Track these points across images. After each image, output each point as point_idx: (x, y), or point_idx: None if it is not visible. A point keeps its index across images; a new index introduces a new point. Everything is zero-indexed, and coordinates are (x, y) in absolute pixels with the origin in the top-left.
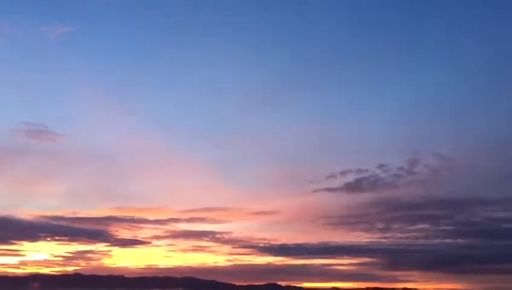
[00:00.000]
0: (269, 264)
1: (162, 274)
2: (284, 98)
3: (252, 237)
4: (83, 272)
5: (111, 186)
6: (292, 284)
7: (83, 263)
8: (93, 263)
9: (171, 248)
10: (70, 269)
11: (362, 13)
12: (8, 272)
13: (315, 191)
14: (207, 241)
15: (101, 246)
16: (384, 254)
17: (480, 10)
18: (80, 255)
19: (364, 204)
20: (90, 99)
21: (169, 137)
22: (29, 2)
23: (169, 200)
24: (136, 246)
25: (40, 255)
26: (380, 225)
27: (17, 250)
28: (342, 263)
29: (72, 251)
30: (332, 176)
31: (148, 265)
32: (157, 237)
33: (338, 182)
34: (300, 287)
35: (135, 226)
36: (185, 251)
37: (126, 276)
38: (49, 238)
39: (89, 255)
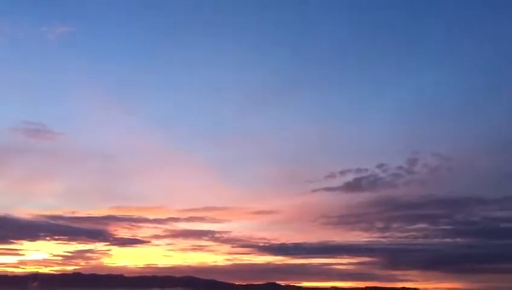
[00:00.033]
0: (268, 263)
1: (161, 273)
2: (284, 98)
3: (251, 236)
4: (83, 272)
5: (110, 185)
6: (291, 284)
7: (82, 263)
8: (93, 263)
9: (170, 247)
10: (69, 268)
11: (362, 13)
12: (7, 272)
13: (314, 190)
14: (206, 240)
15: (100, 246)
16: (384, 254)
17: (480, 10)
18: (79, 254)
19: (363, 204)
20: (90, 99)
21: (169, 137)
22: (29, 2)
23: (168, 200)
24: (135, 245)
25: (40, 255)
26: (379, 225)
27: (16, 249)
28: (341, 262)
29: (72, 251)
30: (331, 175)
31: (148, 264)
32: (157, 237)
33: (337, 182)
34: (299, 287)
35: (134, 226)
36: (184, 250)
37: (125, 275)
38: (48, 238)
39: (89, 254)
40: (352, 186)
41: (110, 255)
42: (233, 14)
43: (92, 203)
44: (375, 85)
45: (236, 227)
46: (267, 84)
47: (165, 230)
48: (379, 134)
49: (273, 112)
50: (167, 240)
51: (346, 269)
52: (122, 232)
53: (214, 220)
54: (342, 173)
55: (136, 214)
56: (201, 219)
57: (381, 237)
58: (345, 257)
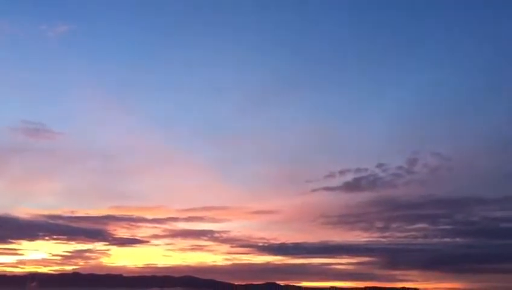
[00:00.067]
0: (268, 263)
1: (160, 273)
2: (284, 98)
3: (250, 236)
4: (82, 271)
5: (110, 185)
6: (291, 284)
7: (81, 262)
8: (92, 262)
9: (169, 247)
10: (68, 268)
11: (362, 13)
12: (6, 271)
13: (314, 190)
14: (206, 240)
15: (99, 245)
16: (383, 253)
17: (480, 10)
18: (79, 254)
19: (363, 203)
20: (90, 99)
21: (168, 137)
22: (28, 0)
23: (168, 200)
24: (134, 245)
25: (39, 254)
26: (379, 224)
27: (15, 249)
28: (341, 262)
29: (71, 250)
30: (331, 175)
31: (147, 264)
32: (156, 236)
33: (337, 182)
34: (299, 287)
35: (134, 225)
36: (183, 250)
37: (124, 275)
38: (47, 237)
39: (88, 254)
40: (352, 186)
41: (109, 255)
42: (233, 14)
43: (91, 203)
44: (375, 85)
45: (236, 227)
46: (267, 84)
47: (164, 230)
48: (379, 134)
49: (273, 112)
50: (166, 240)
51: (346, 269)
52: (121, 232)
53: (213, 220)
54: (342, 172)
55: (135, 213)
56: (200, 219)
57: (380, 237)
58: (344, 256)
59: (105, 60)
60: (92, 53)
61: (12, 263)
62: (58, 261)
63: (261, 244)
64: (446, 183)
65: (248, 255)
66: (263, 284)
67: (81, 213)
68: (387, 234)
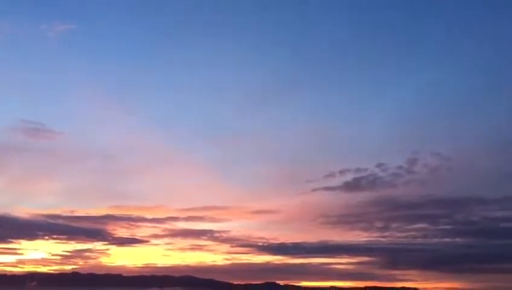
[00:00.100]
0: (267, 263)
1: (160, 273)
2: (284, 98)
3: (250, 236)
4: (81, 271)
5: (109, 185)
6: (290, 283)
7: (80, 262)
8: (91, 262)
9: (169, 246)
10: (68, 267)
11: (362, 13)
12: (5, 271)
13: (314, 190)
14: (205, 240)
15: (99, 245)
16: (383, 253)
17: (480, 10)
18: (78, 253)
19: (363, 203)
20: (90, 99)
21: (168, 137)
22: (28, 0)
23: (167, 199)
24: (134, 244)
25: (38, 254)
26: (379, 224)
27: (15, 248)
28: (341, 262)
29: (70, 250)
30: (331, 175)
31: (146, 264)
32: (156, 236)
33: (337, 181)
34: (298, 287)
35: (133, 225)
36: (183, 249)
37: (124, 275)
38: (47, 237)
39: (87, 253)
40: (352, 186)
41: (108, 255)
42: (233, 14)
43: (90, 203)
44: (375, 85)
45: (236, 226)
46: (267, 84)
47: (164, 229)
48: (379, 134)
49: (273, 112)
50: (166, 240)
51: (346, 269)
52: (121, 232)
53: (213, 220)
54: (342, 172)
55: (135, 213)
56: (200, 219)
57: (380, 237)
58: (344, 256)
59: (105, 60)
60: (92, 53)
61: (12, 262)
62: (58, 261)
63: (260, 244)
64: (446, 183)
65: (248, 255)
66: (263, 284)
67: (80, 213)
68: (387, 233)
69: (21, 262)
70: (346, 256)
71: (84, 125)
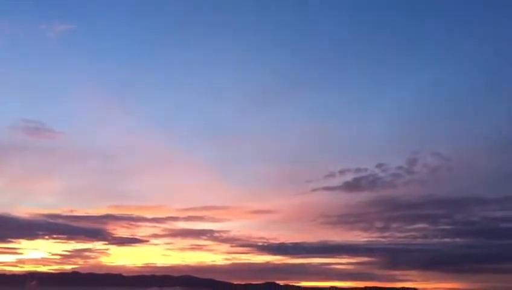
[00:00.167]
0: (267, 263)
1: (160, 273)
2: (284, 98)
3: (250, 235)
4: (81, 271)
5: (109, 184)
6: (290, 283)
7: (80, 262)
8: (91, 262)
9: (169, 246)
10: (68, 267)
11: (362, 13)
12: (5, 270)
13: (314, 190)
14: (205, 239)
15: (98, 245)
16: (383, 253)
17: (480, 10)
18: (78, 253)
19: (363, 203)
20: (90, 98)
21: (168, 137)
22: (28, 0)
23: (167, 199)
24: (134, 244)
25: (38, 254)
26: (379, 224)
27: (14, 248)
28: (341, 262)
29: (70, 249)
30: (331, 175)
31: (146, 263)
32: (155, 236)
33: (337, 181)
34: (298, 287)
35: (133, 225)
36: (183, 249)
37: (124, 274)
38: (46, 237)
39: (87, 253)
40: (352, 186)
41: (108, 254)
42: (233, 14)
43: (90, 202)
44: (375, 85)
45: (236, 226)
46: (267, 84)
47: (164, 229)
48: (379, 134)
49: (273, 112)
50: (166, 239)
51: (346, 269)
52: (121, 232)
53: (213, 220)
54: (342, 172)
55: (134, 213)
56: (200, 218)
57: (380, 237)
58: (344, 256)
59: (105, 60)
60: (92, 53)
61: (12, 262)
62: (58, 261)
63: (260, 244)
64: (446, 183)
65: (248, 255)
66: (263, 283)
67: (80, 212)
68: (387, 234)
69: (21, 262)
70: (346, 256)
71: (84, 125)
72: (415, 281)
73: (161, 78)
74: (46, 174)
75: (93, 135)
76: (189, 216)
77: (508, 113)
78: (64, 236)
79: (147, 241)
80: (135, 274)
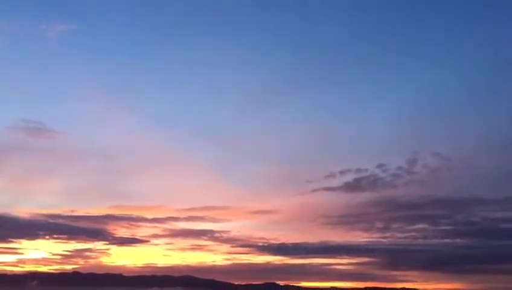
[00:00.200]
0: (268, 263)
1: (160, 273)
2: (284, 98)
3: (250, 236)
4: (81, 271)
5: (110, 185)
6: (291, 284)
7: (81, 262)
8: (92, 262)
9: (169, 246)
10: (68, 267)
11: (362, 13)
12: (6, 270)
13: (314, 190)
14: (205, 240)
15: (99, 245)
16: (383, 254)
17: (480, 10)
18: (78, 253)
19: (363, 204)
20: (90, 98)
21: (168, 136)
22: (28, 0)
23: (168, 199)
24: (134, 244)
25: (39, 254)
26: (379, 225)
27: (15, 248)
28: (341, 262)
29: (71, 249)
30: (331, 175)
31: (147, 264)
32: (156, 236)
33: (337, 182)
34: (298, 287)
35: (134, 225)
36: (183, 249)
37: (124, 274)
38: (47, 237)
39: (87, 253)
40: (352, 187)
41: (109, 255)
42: (233, 14)
43: (91, 202)
44: (375, 85)
45: (236, 227)
46: (267, 84)
47: (164, 229)
48: (379, 134)
49: (273, 112)
50: (166, 240)
51: (346, 269)
52: (121, 232)
53: (213, 220)
54: (342, 173)
55: (135, 213)
56: (200, 219)
57: (381, 238)
58: (344, 257)
59: (105, 60)
60: (92, 53)
61: (13, 262)
62: (58, 261)
63: (261, 244)
64: (446, 183)
65: (248, 255)
66: (263, 284)
67: (81, 212)
68: (387, 234)
69: (21, 262)
70: (347, 256)
71: (84, 125)
72: (416, 281)
73: (161, 78)
74: (46, 175)
75: (93, 135)
76: (189, 216)
77: (508, 113)
78: (65, 236)
79: (148, 241)
80: (136, 274)
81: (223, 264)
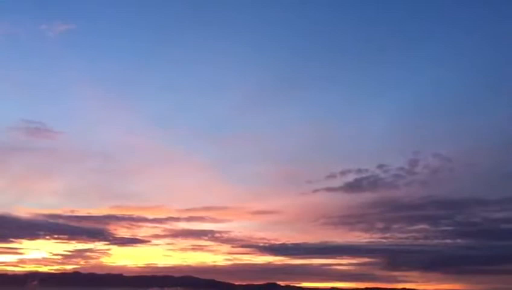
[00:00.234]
0: (268, 263)
1: (161, 273)
2: (284, 98)
3: (251, 236)
4: (82, 271)
5: (110, 184)
6: (291, 284)
7: (81, 262)
8: (92, 262)
9: (170, 246)
10: (69, 267)
11: (362, 13)
12: (7, 270)
13: (315, 190)
14: (206, 240)
15: (100, 245)
16: (384, 254)
17: (481, 9)
18: (79, 253)
19: (364, 204)
20: (90, 98)
21: (168, 136)
22: (28, 0)
23: (168, 199)
24: (135, 244)
25: (39, 254)
26: (380, 225)
27: (15, 248)
28: (342, 263)
29: (71, 250)
30: (332, 175)
31: (147, 264)
32: (156, 236)
33: (338, 182)
34: (299, 287)
35: (134, 225)
36: (184, 249)
37: (125, 275)
38: (48, 237)
39: (88, 253)
40: (353, 187)
41: (109, 255)
42: (233, 14)
43: (91, 203)
44: (376, 85)
45: (236, 227)
46: (267, 84)
47: (165, 230)
48: (379, 134)
49: (273, 111)
50: (167, 240)
51: (347, 270)
52: (122, 232)
53: (213, 220)
54: (343, 173)
55: (135, 213)
56: (201, 219)
57: (381, 238)
58: (345, 257)
59: (105, 59)
60: (92, 52)
61: (13, 262)
62: (59, 261)
63: (261, 244)
64: (447, 184)
65: (249, 256)
66: (264, 284)
67: (81, 213)
68: (388, 235)
69: (22, 262)
70: (347, 257)
71: (84, 124)
72: (416, 282)
73: (161, 78)
74: (46, 174)
75: (93, 134)
76: (190, 217)
77: (510, 113)
78: (66, 236)
79: (148, 241)
80: (136, 274)
81: (223, 264)
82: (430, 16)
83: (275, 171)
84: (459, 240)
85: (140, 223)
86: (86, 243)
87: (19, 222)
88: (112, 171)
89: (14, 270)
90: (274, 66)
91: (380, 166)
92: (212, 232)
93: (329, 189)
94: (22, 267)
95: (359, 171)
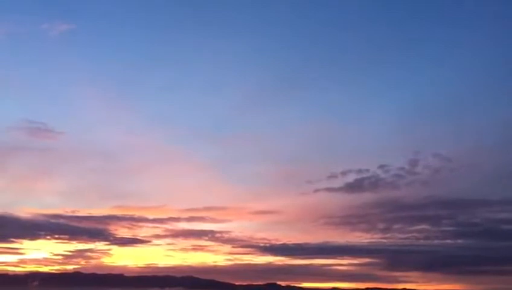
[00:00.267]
0: (269, 264)
1: (161, 273)
2: (284, 98)
3: (252, 236)
4: (83, 271)
5: (111, 184)
6: (292, 284)
7: (82, 262)
8: (93, 262)
9: (170, 247)
10: (69, 267)
11: (362, 13)
12: (7, 271)
13: (316, 191)
14: (207, 240)
15: (100, 245)
16: (385, 255)
17: (481, 9)
18: (80, 253)
19: (365, 204)
20: (90, 98)
21: (169, 136)
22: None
23: (169, 199)
24: (135, 245)
25: (40, 254)
26: (381, 225)
27: (16, 248)
28: (342, 263)
29: (72, 250)
30: (333, 176)
31: (148, 264)
32: (157, 236)
33: (339, 182)
34: (300, 287)
35: (135, 225)
36: (184, 250)
37: (126, 275)
38: (48, 237)
39: (89, 253)
40: (354, 187)
41: (110, 255)
42: (233, 14)
43: (92, 203)
44: (376, 85)
45: (237, 227)
46: (267, 84)
47: (166, 230)
48: (380, 134)
49: (273, 111)
50: (167, 240)
51: (347, 270)
52: (123, 232)
53: (214, 220)
54: (343, 173)
55: (136, 213)
56: (201, 219)
57: (382, 238)
58: (346, 257)
59: (106, 59)
60: (93, 52)
61: (14, 262)
62: (60, 261)
63: (262, 244)
64: (448, 184)
65: (249, 256)
66: (264, 284)
67: (82, 213)
68: (389, 235)
69: (23, 262)
70: (348, 257)
71: (85, 124)
72: (417, 282)
73: (161, 78)
74: (47, 175)
75: (93, 134)
76: (190, 217)
77: (510, 113)
78: (66, 236)
79: (149, 241)
80: (137, 275)
81: (224, 264)
82: (430, 16)
83: (276, 171)
84: (459, 241)
85: (141, 223)
86: (87, 243)
87: (20, 222)
88: (112, 171)
89: (14, 271)
90: (274, 66)
91: (381, 166)
92: (212, 232)
93: (329, 189)
94: (23, 267)
95: (360, 171)
